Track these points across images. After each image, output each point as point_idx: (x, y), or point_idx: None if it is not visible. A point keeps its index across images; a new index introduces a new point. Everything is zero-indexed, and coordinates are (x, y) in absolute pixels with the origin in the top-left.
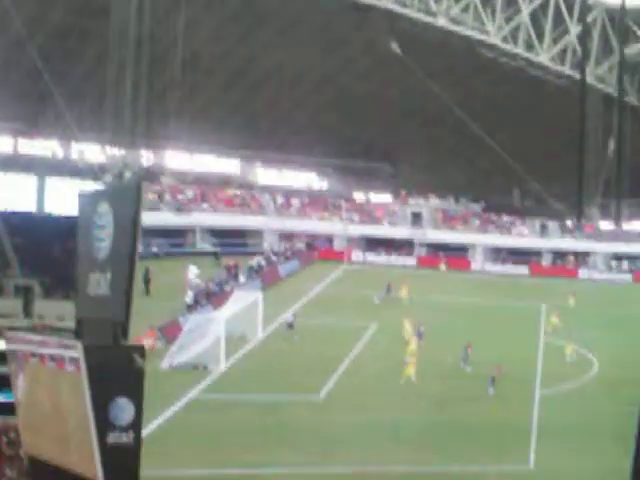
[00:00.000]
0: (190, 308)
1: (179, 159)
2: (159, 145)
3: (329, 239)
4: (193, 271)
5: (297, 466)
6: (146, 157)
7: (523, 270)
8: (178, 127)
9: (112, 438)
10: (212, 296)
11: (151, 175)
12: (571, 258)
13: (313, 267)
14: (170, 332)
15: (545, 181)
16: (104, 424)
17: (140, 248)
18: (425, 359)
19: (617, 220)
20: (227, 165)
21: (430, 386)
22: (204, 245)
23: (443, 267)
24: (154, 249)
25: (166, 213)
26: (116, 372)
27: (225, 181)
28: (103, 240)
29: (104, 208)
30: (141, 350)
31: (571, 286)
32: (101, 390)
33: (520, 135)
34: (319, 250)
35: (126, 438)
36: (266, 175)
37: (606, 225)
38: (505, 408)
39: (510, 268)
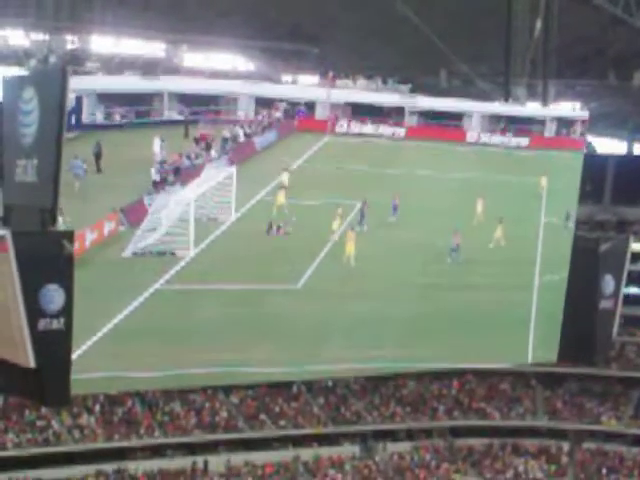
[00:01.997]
0: (157, 186)
1: (104, 43)
2: (84, 29)
3: (310, 106)
4: (159, 144)
5: (275, 364)
6: (71, 41)
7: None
8: (103, 11)
9: (43, 324)
10: (181, 172)
11: (76, 60)
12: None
13: (292, 138)
14: (134, 214)
15: (472, 62)
16: (35, 311)
17: (99, 118)
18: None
19: (544, 100)
20: (153, 49)
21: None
22: (173, 114)
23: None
24: (117, 118)
25: (130, 77)
26: (45, 258)
27: (151, 65)
28: (29, 126)
29: (29, 93)
30: (70, 235)
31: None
32: (31, 277)
33: (447, 15)
34: (299, 119)
35: (57, 324)
36: (192, 58)
37: (533, 105)
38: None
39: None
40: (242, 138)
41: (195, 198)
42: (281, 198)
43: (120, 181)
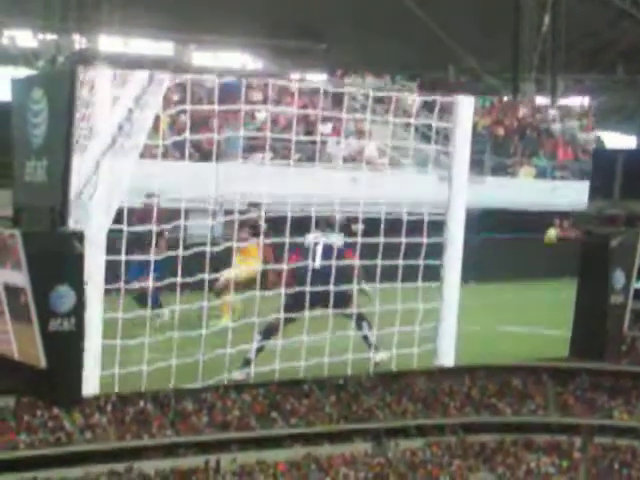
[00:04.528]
0: None
1: (112, 43)
2: (92, 29)
3: None
4: None
5: None
6: (79, 42)
7: None
8: (111, 11)
9: (53, 325)
10: None
11: (85, 60)
12: None
13: None
14: None
15: (480, 57)
16: (45, 311)
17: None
18: None
19: (553, 95)
20: (161, 48)
21: None
22: None
23: None
24: None
25: None
26: (55, 259)
27: (160, 64)
28: (38, 126)
29: (38, 94)
30: (80, 236)
31: None
32: (41, 277)
33: (455, 10)
34: None
35: (67, 324)
36: (201, 57)
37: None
38: None
39: None
40: None
41: None
42: None
43: None
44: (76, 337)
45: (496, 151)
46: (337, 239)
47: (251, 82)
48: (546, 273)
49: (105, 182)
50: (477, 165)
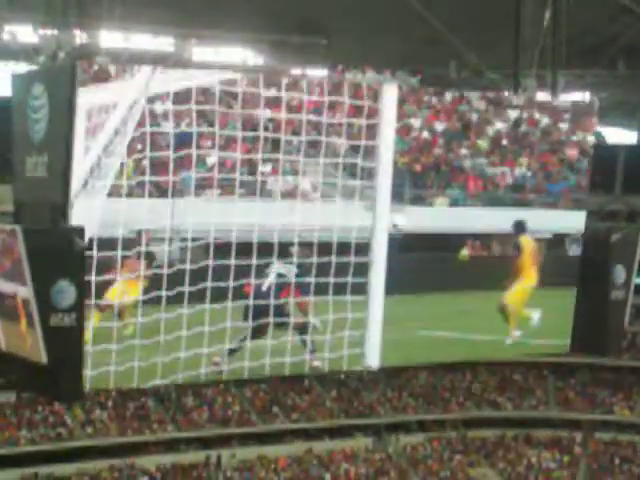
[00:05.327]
0: None
1: (113, 38)
2: (93, 25)
3: None
4: None
5: None
6: (80, 37)
7: None
8: (111, 6)
9: (54, 320)
10: None
11: (85, 55)
12: None
13: None
14: None
15: (481, 52)
16: (46, 307)
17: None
18: None
19: (554, 90)
20: (162, 44)
21: None
22: None
23: None
24: None
25: None
26: (56, 254)
27: (160, 59)
28: (39, 122)
29: (39, 90)
30: (81, 232)
31: None
32: (42, 273)
33: (456, 5)
34: None
35: (68, 320)
36: (201, 53)
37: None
38: None
39: None
40: None
41: None
42: None
43: None
44: (77, 332)
45: (414, 184)
46: (289, 270)
47: (202, 132)
48: (460, 286)
49: (79, 217)
50: (398, 196)
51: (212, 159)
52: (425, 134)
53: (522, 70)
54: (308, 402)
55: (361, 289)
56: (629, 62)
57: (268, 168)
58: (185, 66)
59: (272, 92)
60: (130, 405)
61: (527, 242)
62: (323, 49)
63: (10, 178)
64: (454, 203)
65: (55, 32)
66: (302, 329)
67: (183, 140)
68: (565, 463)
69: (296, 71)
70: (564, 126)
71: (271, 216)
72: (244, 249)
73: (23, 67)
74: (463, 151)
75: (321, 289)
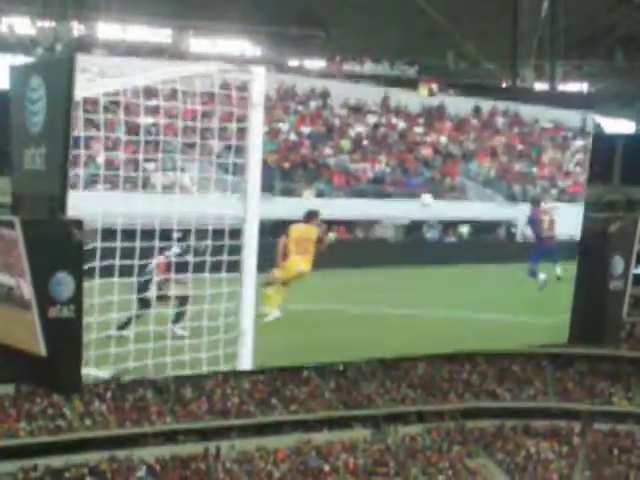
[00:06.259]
0: None
1: (111, 30)
2: (90, 16)
3: None
4: None
5: None
6: (77, 29)
7: None
8: None
9: (53, 312)
10: None
11: (83, 47)
12: None
13: None
14: None
15: (479, 43)
16: (45, 299)
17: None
18: None
19: (552, 81)
20: (159, 35)
21: None
22: None
23: None
24: None
25: None
26: (55, 246)
27: (158, 51)
28: (36, 114)
29: (36, 82)
30: (79, 223)
31: None
32: (40, 265)
33: None
34: None
35: (67, 312)
36: (199, 44)
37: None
38: None
39: None
40: None
41: None
42: None
43: None
44: (75, 324)
45: (284, 178)
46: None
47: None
48: (328, 265)
49: None
50: (269, 189)
51: (100, 159)
52: (292, 136)
53: (520, 60)
54: (307, 393)
55: (236, 267)
56: (627, 52)
57: (152, 165)
58: (181, 58)
59: (153, 102)
60: (129, 397)
61: (296, 230)
62: (321, 41)
63: (8, 170)
64: (320, 194)
65: (53, 24)
66: (182, 302)
67: (76, 142)
68: (564, 453)
69: (294, 63)
70: (419, 129)
71: (153, 206)
72: (135, 234)
73: (21, 59)
74: (327, 150)
75: (200, 268)
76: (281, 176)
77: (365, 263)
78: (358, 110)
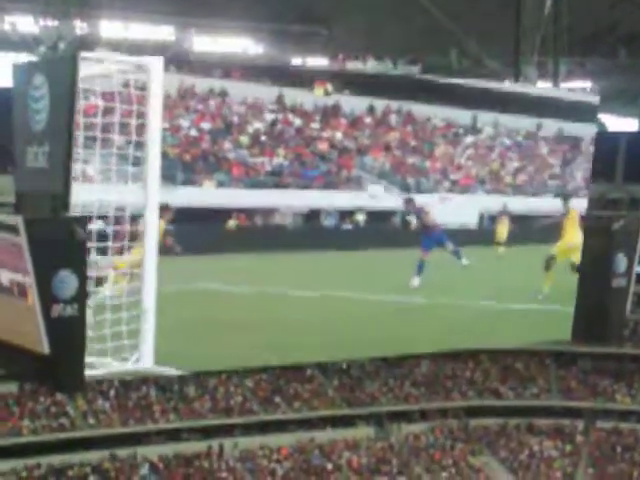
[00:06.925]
0: None
1: (114, 28)
2: (93, 15)
3: None
4: None
5: None
6: (80, 27)
7: None
8: None
9: (56, 311)
10: None
11: (86, 45)
12: None
13: None
14: None
15: (481, 40)
16: (48, 297)
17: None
18: None
19: (555, 78)
20: (162, 33)
21: None
22: None
23: None
24: None
25: None
26: (58, 245)
27: (160, 48)
28: (39, 112)
29: (39, 80)
30: (82, 221)
31: None
32: (44, 263)
33: None
34: None
35: (70, 310)
36: (202, 42)
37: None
38: None
39: None
40: None
41: None
42: None
43: None
44: (79, 323)
45: (185, 170)
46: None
47: None
48: (230, 249)
49: None
50: (171, 179)
51: None
52: (193, 132)
53: (523, 58)
54: (310, 391)
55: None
56: (630, 50)
57: None
58: (185, 56)
59: None
60: (132, 395)
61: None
62: (324, 39)
63: (11, 169)
64: (220, 185)
65: (56, 22)
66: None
67: None
68: (567, 451)
69: (297, 61)
70: (315, 125)
71: None
72: None
73: (24, 57)
74: (227, 145)
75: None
76: (182, 168)
77: (265, 248)
78: (255, 108)
